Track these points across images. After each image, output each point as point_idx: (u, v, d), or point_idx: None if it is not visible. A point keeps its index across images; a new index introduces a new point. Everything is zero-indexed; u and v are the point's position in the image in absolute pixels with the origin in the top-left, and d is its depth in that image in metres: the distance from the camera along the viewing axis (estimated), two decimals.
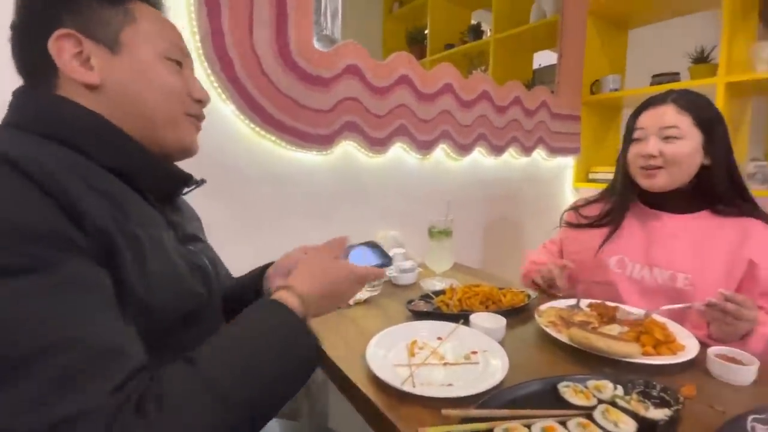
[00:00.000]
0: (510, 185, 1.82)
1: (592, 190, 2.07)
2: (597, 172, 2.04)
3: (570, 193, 2.18)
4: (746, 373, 0.64)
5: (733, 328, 0.72)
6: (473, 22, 2.17)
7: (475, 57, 2.15)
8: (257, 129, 1.05)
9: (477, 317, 0.84)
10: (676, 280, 0.86)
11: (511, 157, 1.78)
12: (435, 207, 1.50)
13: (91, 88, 0.45)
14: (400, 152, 1.40)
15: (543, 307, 0.91)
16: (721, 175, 0.87)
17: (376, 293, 1.08)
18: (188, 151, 0.53)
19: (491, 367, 0.67)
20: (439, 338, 0.79)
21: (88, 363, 0.32)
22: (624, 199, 0.95)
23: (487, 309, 0.93)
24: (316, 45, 1.23)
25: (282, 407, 0.43)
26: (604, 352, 0.68)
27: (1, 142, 0.39)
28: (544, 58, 2.17)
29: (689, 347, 0.72)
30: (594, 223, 1.02)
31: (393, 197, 1.42)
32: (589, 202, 1.11)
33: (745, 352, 0.67)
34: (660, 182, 0.88)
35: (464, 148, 1.55)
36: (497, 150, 1.67)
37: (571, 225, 1.11)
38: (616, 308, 0.90)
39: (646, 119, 0.88)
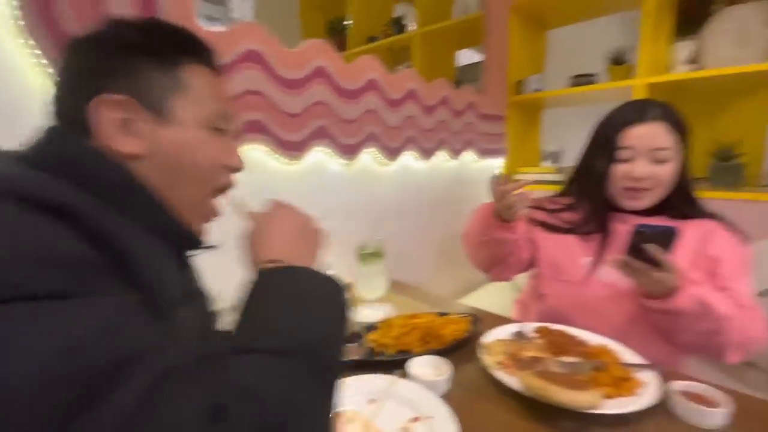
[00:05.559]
0: (442, 190, 1.72)
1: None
2: (523, 173, 2.04)
3: None
4: (716, 417, 0.57)
5: (656, 283, 0.71)
6: (395, 15, 2.04)
7: (399, 52, 2.03)
8: None
9: (417, 366, 0.70)
10: None
11: (443, 160, 1.68)
12: (364, 219, 1.34)
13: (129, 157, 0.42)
14: (320, 157, 1.21)
15: (487, 340, 0.79)
16: (683, 184, 0.86)
17: None
18: (193, 236, 0.50)
19: None
20: (372, 400, 0.63)
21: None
22: (602, 210, 0.90)
23: (427, 346, 0.79)
24: (220, 28, 0.98)
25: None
26: (564, 405, 0.58)
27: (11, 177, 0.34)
28: (463, 56, 2.13)
29: (648, 383, 0.65)
30: (578, 230, 0.94)
31: (314, 210, 1.22)
32: (555, 204, 1.02)
33: (713, 387, 0.60)
34: (644, 203, 0.84)
35: (393, 152, 1.40)
36: (427, 153, 1.54)
37: (547, 227, 1.00)
38: (563, 334, 0.82)
39: (634, 138, 0.82)
